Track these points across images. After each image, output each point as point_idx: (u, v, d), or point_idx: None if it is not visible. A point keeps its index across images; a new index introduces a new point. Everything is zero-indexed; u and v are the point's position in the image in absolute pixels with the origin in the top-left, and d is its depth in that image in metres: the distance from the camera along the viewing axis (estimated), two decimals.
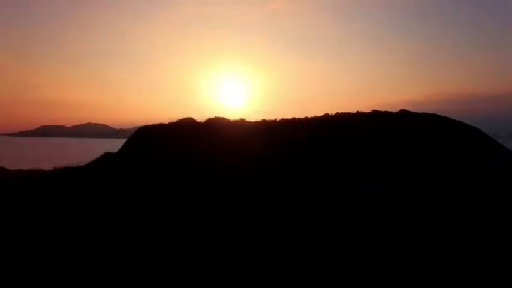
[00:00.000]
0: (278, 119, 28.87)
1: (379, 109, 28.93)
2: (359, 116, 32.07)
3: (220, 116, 27.98)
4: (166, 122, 29.19)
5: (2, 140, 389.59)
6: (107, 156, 28.41)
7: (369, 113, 32.95)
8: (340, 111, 30.60)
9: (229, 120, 29.23)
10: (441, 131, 34.00)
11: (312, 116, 28.81)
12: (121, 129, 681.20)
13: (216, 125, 27.47)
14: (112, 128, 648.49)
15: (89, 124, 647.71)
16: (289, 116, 26.95)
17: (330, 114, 31.24)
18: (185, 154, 23.09)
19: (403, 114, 36.06)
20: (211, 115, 27.90)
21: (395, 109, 29.40)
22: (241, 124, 28.43)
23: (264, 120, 28.70)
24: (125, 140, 31.71)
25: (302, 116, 27.95)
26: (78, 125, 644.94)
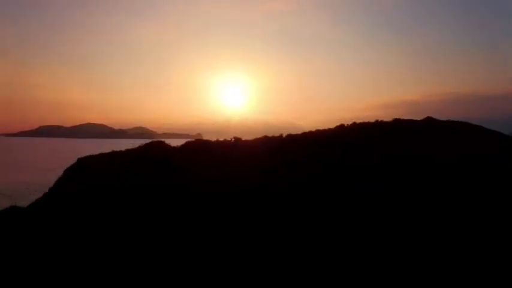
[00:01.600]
0: (284, 135, 23.29)
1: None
2: (380, 127, 27.14)
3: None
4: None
5: (1, 140, 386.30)
6: (12, 211, 17.77)
7: (390, 122, 28.15)
8: (356, 120, 25.54)
9: (214, 144, 22.25)
10: (469, 139, 29.78)
11: (325, 127, 23.40)
12: (120, 129, 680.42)
13: (192, 154, 19.68)
14: (111, 128, 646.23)
15: (89, 124, 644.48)
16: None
17: (346, 125, 26.33)
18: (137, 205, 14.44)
19: (429, 122, 31.48)
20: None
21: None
22: (232, 149, 21.33)
23: (265, 137, 22.88)
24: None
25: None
26: (78, 125, 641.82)
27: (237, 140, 22.74)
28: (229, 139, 23.26)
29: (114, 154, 21.50)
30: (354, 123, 26.83)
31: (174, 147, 22.32)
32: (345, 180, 18.46)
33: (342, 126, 26.29)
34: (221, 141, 22.77)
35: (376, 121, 27.76)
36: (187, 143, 22.22)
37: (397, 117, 28.55)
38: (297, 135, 23.55)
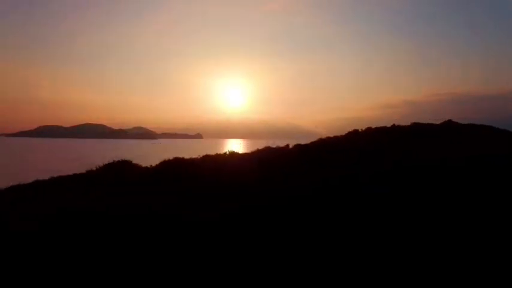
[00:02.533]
0: (291, 146, 20.16)
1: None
2: (395, 131, 24.52)
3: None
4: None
5: (0, 140, 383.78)
6: None
7: (408, 126, 25.65)
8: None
9: (199, 161, 17.16)
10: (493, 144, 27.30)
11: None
12: (120, 129, 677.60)
13: (171, 175, 15.15)
14: (111, 128, 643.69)
15: (88, 124, 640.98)
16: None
17: (360, 130, 23.67)
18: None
19: (448, 125, 28.91)
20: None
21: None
22: (226, 165, 16.69)
23: (268, 148, 19.35)
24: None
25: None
26: (77, 125, 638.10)
27: (233, 155, 17.92)
28: (224, 152, 18.38)
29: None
30: (369, 128, 24.20)
31: (146, 168, 17.16)
32: (352, 185, 18.02)
33: (355, 131, 23.66)
34: (211, 157, 17.74)
35: (393, 125, 25.20)
36: (163, 163, 16.94)
37: (416, 121, 26.01)
38: (305, 145, 20.69)
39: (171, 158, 17.16)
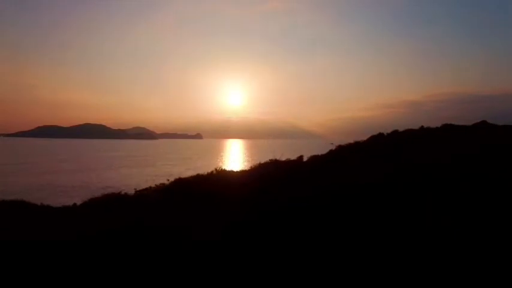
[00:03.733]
0: (305, 158, 16.18)
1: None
2: (426, 134, 20.99)
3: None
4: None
5: None
6: None
7: (438, 127, 22.14)
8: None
9: (171, 191, 11.90)
10: None
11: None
12: (120, 130, 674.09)
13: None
14: (110, 129, 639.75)
15: (87, 124, 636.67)
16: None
17: (385, 134, 20.12)
18: None
19: (480, 126, 25.44)
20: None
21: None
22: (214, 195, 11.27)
23: (276, 161, 15.20)
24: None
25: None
26: (77, 125, 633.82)
27: (222, 174, 13.15)
28: (212, 170, 13.56)
29: None
30: (395, 131, 20.66)
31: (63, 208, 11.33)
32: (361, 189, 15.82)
33: (380, 135, 20.14)
34: (186, 181, 12.36)
35: (421, 127, 21.69)
36: (95, 199, 11.36)
37: (447, 123, 22.56)
38: (322, 155, 16.97)
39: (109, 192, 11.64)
